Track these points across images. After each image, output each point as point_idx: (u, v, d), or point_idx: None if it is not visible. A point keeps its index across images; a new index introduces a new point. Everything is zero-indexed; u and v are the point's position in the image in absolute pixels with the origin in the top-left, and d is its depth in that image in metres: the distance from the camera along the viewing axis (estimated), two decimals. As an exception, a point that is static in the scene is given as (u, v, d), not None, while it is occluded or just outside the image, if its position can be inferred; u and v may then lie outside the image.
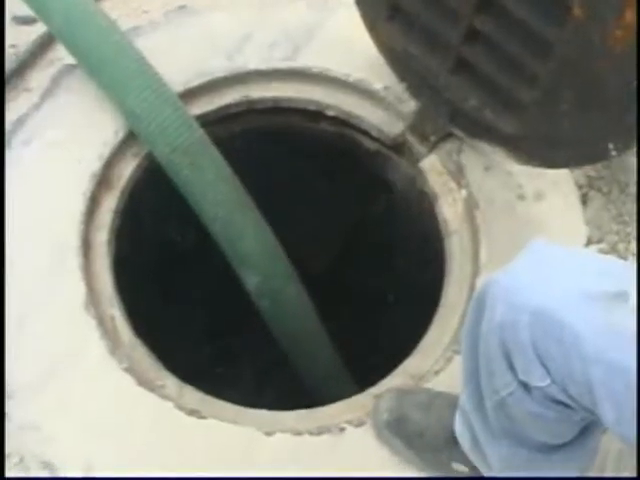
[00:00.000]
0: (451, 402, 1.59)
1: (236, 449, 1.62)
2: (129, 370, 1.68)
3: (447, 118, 1.92)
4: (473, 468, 1.57)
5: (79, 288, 1.75)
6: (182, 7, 2.09)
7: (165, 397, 1.67)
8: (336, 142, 2.16)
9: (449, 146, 1.98)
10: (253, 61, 2.04)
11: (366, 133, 2.09)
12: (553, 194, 1.93)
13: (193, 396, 1.70)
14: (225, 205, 1.92)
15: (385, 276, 2.39)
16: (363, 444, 1.64)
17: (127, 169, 1.94)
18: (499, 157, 1.90)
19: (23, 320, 1.70)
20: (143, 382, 1.68)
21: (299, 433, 1.65)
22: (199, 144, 1.88)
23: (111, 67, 1.84)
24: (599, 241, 1.94)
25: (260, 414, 1.69)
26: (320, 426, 1.66)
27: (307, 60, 2.05)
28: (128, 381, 1.67)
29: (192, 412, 1.65)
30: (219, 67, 2.02)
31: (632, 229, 1.98)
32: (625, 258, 1.95)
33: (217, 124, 2.04)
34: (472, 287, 1.84)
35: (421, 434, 1.61)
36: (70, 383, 1.66)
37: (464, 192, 1.95)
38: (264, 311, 2.08)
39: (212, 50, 2.03)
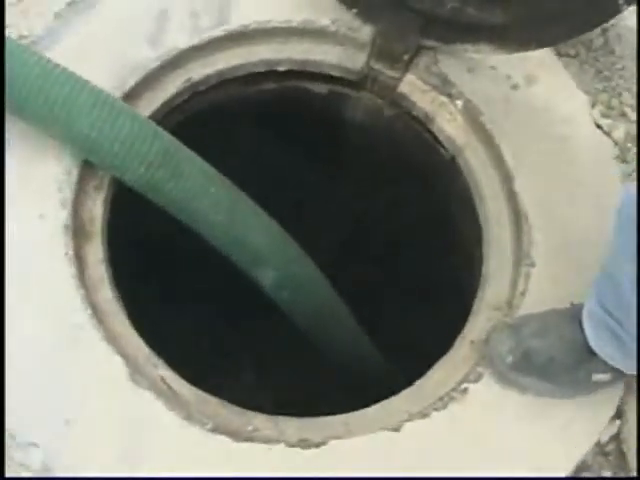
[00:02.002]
0: (566, 317, 1.47)
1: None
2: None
3: (418, 32, 1.72)
4: (615, 372, 1.46)
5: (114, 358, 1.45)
6: (72, 2, 1.73)
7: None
8: (288, 97, 1.90)
9: (424, 60, 1.77)
10: (181, 38, 1.72)
11: (324, 77, 1.84)
12: (543, 74, 1.78)
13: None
14: (222, 208, 1.64)
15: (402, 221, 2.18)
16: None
17: (96, 208, 1.61)
18: (480, 55, 1.72)
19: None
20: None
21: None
22: (173, 150, 1.57)
23: (45, 93, 1.47)
24: (594, 105, 1.83)
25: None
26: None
27: (240, 18, 1.75)
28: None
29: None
30: (148, 56, 1.69)
31: (615, 82, 1.88)
32: (623, 112, 1.85)
33: (166, 118, 1.73)
34: (510, 195, 1.68)
35: (551, 360, 1.47)
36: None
37: (459, 102, 1.76)
38: (283, 302, 1.84)
39: (131, 40, 1.69)
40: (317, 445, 1.44)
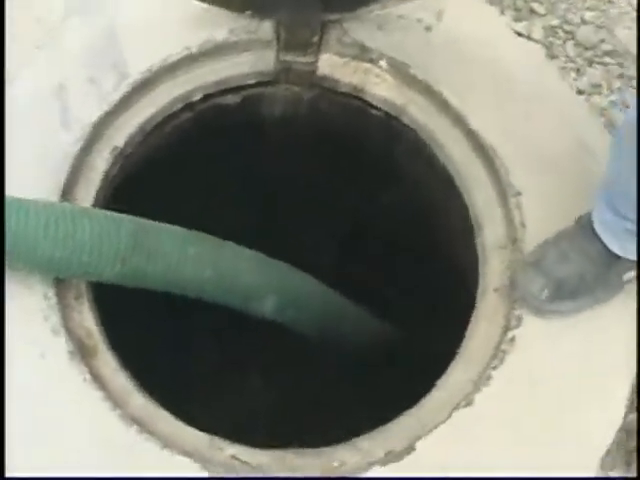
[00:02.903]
0: (578, 234, 1.48)
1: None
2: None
3: (319, 9, 1.63)
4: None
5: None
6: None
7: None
8: (207, 118, 1.79)
9: (333, 35, 1.69)
10: (91, 110, 1.58)
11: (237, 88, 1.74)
12: (449, 5, 1.72)
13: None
14: (206, 264, 1.55)
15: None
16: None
17: (85, 318, 1.50)
18: (386, 9, 1.66)
19: None
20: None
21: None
22: (140, 231, 1.46)
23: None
24: (503, 12, 1.81)
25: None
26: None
27: (138, 67, 1.63)
28: None
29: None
30: (67, 141, 1.55)
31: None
32: (532, 9, 1.84)
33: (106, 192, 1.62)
34: (469, 134, 1.65)
35: (582, 279, 1.48)
36: None
37: (382, 63, 1.69)
38: (289, 321, 1.78)
39: (44, 130, 1.55)
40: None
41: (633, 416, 1.61)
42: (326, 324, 1.88)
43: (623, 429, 1.54)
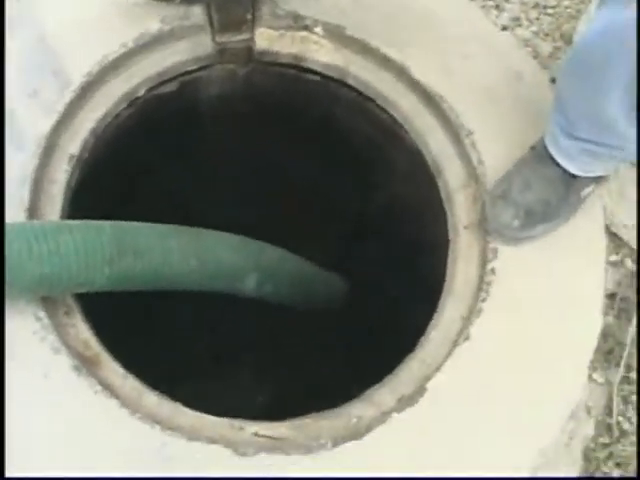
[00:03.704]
0: (536, 160, 1.57)
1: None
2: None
3: (249, -14, 1.63)
4: (595, 180, 1.57)
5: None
6: None
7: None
8: (146, 111, 1.77)
9: (265, 9, 1.69)
10: (39, 123, 1.55)
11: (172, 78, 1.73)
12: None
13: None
14: (190, 254, 1.55)
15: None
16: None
17: (81, 330, 1.48)
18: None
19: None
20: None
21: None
22: (121, 233, 1.45)
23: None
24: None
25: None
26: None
27: (78, 71, 1.59)
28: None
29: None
30: (22, 161, 1.52)
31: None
32: None
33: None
34: (413, 84, 1.68)
35: (548, 203, 1.55)
36: None
37: (318, 29, 1.71)
38: (269, 295, 1.80)
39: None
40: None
41: (608, 318, 1.70)
42: (300, 291, 1.91)
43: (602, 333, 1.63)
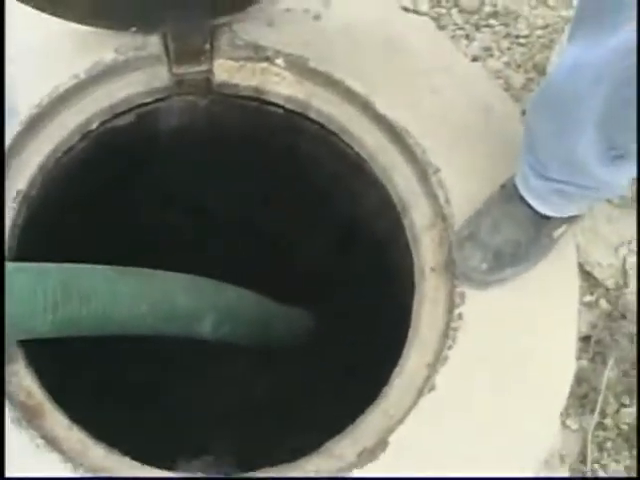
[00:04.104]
0: (505, 200, 1.50)
1: None
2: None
3: (207, 15, 1.56)
4: (568, 220, 1.50)
5: None
6: None
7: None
8: (102, 144, 1.69)
9: (224, 40, 1.62)
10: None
11: (133, 108, 1.65)
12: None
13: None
14: (140, 298, 1.46)
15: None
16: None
17: (23, 378, 1.40)
18: (275, 3, 1.60)
19: None
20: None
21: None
22: (67, 277, 1.36)
23: None
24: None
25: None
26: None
27: (27, 102, 1.51)
28: None
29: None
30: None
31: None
32: None
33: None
34: (379, 119, 1.61)
35: (518, 244, 1.48)
36: None
37: (279, 61, 1.63)
38: (227, 336, 1.71)
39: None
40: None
41: (582, 362, 1.63)
42: (260, 330, 1.83)
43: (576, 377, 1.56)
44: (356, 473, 1.38)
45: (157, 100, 1.66)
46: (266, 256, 2.07)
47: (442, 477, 1.37)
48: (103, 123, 1.62)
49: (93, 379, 1.80)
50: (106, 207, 1.79)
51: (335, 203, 1.86)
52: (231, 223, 2.03)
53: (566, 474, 1.64)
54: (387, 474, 1.37)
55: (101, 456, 1.35)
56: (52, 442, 1.33)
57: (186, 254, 1.84)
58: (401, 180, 1.60)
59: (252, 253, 2.07)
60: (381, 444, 1.40)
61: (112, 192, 1.77)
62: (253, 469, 1.38)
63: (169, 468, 1.38)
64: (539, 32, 1.94)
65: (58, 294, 1.34)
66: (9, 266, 1.33)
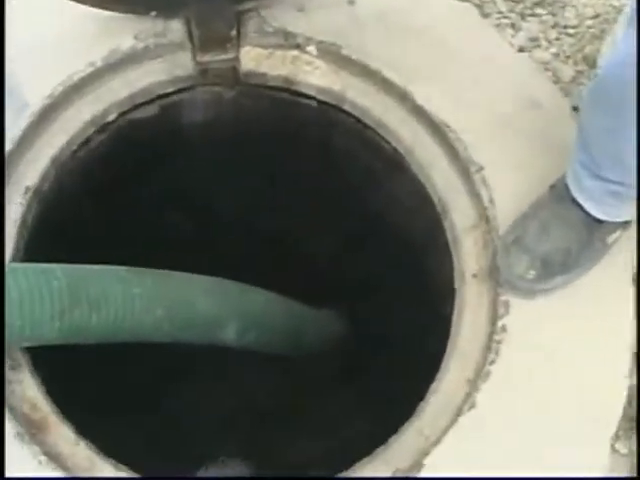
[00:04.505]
0: (555, 202, 1.35)
1: None
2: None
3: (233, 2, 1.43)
4: (622, 225, 1.36)
5: None
6: None
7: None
8: (121, 138, 1.57)
9: (251, 26, 1.49)
10: None
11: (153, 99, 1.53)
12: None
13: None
14: (156, 303, 1.33)
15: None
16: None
17: (27, 388, 1.28)
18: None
19: None
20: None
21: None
22: (76, 281, 1.23)
23: None
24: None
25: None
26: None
27: (38, 92, 1.40)
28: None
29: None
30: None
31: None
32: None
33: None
34: (417, 111, 1.47)
35: (569, 252, 1.34)
36: None
37: (311, 48, 1.50)
38: (252, 344, 1.59)
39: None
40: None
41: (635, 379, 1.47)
42: (288, 337, 1.70)
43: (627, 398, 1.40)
44: (388, 499, 1.24)
45: (180, 90, 1.54)
46: (295, 255, 1.94)
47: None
48: (122, 114, 1.51)
49: (101, 388, 1.67)
50: (124, 203, 1.68)
51: (369, 202, 1.73)
52: (257, 222, 1.90)
53: (618, 504, 1.48)
54: (422, 501, 1.23)
55: (109, 473, 1.23)
56: (56, 458, 1.21)
57: (209, 253, 1.72)
58: (441, 178, 1.47)
59: (280, 252, 1.93)
60: (415, 466, 1.26)
61: (131, 188, 1.66)
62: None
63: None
64: (589, 22, 1.78)
65: (65, 299, 1.22)
66: (11, 267, 1.22)
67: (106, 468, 1.23)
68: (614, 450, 1.48)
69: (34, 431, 1.24)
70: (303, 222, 1.89)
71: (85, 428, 1.27)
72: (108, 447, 1.27)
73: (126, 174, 1.65)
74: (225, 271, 1.49)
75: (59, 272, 1.24)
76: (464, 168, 1.44)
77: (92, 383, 1.63)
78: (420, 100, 1.46)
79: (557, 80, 1.64)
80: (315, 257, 1.97)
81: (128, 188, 1.67)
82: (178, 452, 1.78)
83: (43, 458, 1.20)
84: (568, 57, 1.70)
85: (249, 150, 1.73)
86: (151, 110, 1.57)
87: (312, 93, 1.52)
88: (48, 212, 1.45)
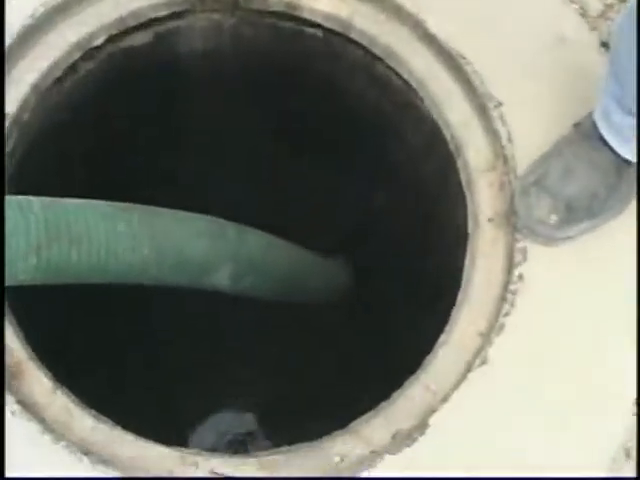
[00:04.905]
0: (580, 141, 1.23)
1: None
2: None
3: None
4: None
5: None
6: None
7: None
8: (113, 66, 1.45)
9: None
10: None
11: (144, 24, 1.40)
12: None
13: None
14: (142, 240, 1.22)
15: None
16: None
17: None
18: None
19: None
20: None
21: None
22: (54, 215, 1.12)
23: None
24: None
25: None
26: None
27: (18, 15, 1.27)
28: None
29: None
30: None
31: None
32: None
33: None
34: (430, 40, 1.34)
35: (594, 195, 1.22)
36: None
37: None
38: (248, 290, 1.47)
39: None
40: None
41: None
42: (290, 285, 1.58)
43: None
44: (388, 460, 1.13)
45: (175, 16, 1.41)
46: (300, 199, 1.81)
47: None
48: (112, 40, 1.38)
49: (85, 333, 1.57)
50: (115, 141, 1.54)
51: (378, 140, 1.59)
52: (259, 162, 1.78)
53: (632, 471, 1.36)
54: (425, 463, 1.13)
55: (88, 427, 1.13)
56: (31, 408, 1.11)
57: (205, 195, 1.60)
58: (455, 113, 1.34)
59: (284, 195, 1.81)
60: (420, 427, 1.16)
61: (123, 124, 1.53)
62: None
63: (169, 442, 1.15)
64: (619, -47, 1.63)
65: (42, 234, 1.10)
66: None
67: (85, 420, 1.13)
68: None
69: (7, 378, 1.13)
70: (309, 163, 1.76)
71: (64, 378, 1.17)
72: (88, 398, 1.16)
73: (117, 109, 1.53)
74: (223, 212, 1.38)
75: (37, 205, 1.13)
76: (481, 104, 1.32)
77: (76, 332, 1.52)
78: (434, 29, 1.33)
79: (584, 14, 1.50)
80: (321, 200, 1.85)
81: (120, 124, 1.54)
82: (169, 406, 1.68)
83: (17, 407, 1.10)
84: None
85: (249, 86, 1.60)
86: (145, 38, 1.45)
87: (317, 20, 1.39)
88: (31, 145, 1.33)
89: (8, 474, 1.04)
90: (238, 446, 1.69)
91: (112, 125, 1.57)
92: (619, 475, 1.20)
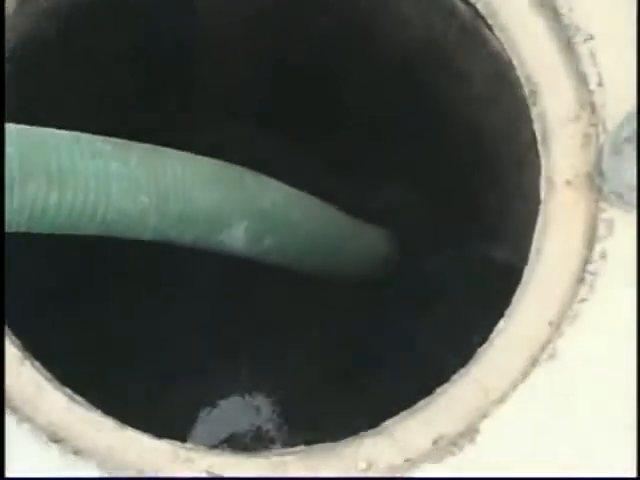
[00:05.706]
0: None
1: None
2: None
3: None
4: None
5: None
6: None
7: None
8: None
9: None
10: None
11: None
12: None
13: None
14: (139, 185, 1.01)
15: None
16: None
17: None
18: None
19: None
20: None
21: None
22: (31, 143, 0.92)
23: None
24: None
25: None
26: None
27: None
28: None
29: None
30: None
31: None
32: None
33: None
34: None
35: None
36: None
37: None
38: (267, 253, 1.25)
39: None
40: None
41: None
42: (320, 252, 1.37)
43: None
44: (426, 470, 0.93)
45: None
46: (332, 148, 1.59)
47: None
48: None
49: (64, 296, 1.38)
50: (113, 70, 1.34)
51: (428, 80, 1.36)
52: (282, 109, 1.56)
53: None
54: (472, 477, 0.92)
55: (61, 406, 0.94)
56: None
57: (216, 144, 1.39)
58: (532, 50, 1.10)
59: (310, 143, 1.59)
60: (468, 432, 0.94)
61: (124, 54, 1.32)
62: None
63: (160, 434, 0.95)
64: None
65: (15, 169, 0.90)
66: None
67: (56, 397, 0.94)
68: None
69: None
70: (340, 110, 1.54)
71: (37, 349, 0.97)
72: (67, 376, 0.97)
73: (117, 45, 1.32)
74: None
75: (15, 135, 0.92)
76: (565, 37, 1.08)
77: (54, 296, 1.33)
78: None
79: None
80: (360, 155, 1.62)
81: (120, 54, 1.34)
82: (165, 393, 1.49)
83: (-28, 379, 0.91)
84: None
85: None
86: None
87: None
88: (21, 72, 1.13)
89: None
90: (244, 442, 1.50)
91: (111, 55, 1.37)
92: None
